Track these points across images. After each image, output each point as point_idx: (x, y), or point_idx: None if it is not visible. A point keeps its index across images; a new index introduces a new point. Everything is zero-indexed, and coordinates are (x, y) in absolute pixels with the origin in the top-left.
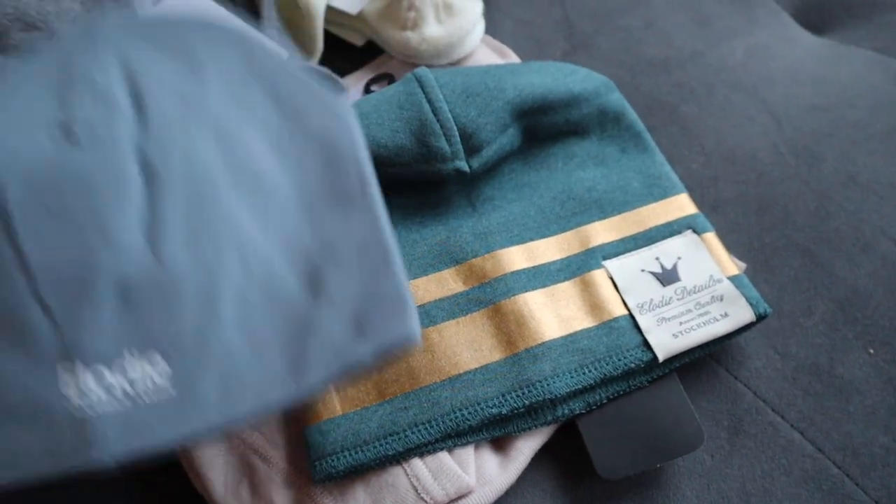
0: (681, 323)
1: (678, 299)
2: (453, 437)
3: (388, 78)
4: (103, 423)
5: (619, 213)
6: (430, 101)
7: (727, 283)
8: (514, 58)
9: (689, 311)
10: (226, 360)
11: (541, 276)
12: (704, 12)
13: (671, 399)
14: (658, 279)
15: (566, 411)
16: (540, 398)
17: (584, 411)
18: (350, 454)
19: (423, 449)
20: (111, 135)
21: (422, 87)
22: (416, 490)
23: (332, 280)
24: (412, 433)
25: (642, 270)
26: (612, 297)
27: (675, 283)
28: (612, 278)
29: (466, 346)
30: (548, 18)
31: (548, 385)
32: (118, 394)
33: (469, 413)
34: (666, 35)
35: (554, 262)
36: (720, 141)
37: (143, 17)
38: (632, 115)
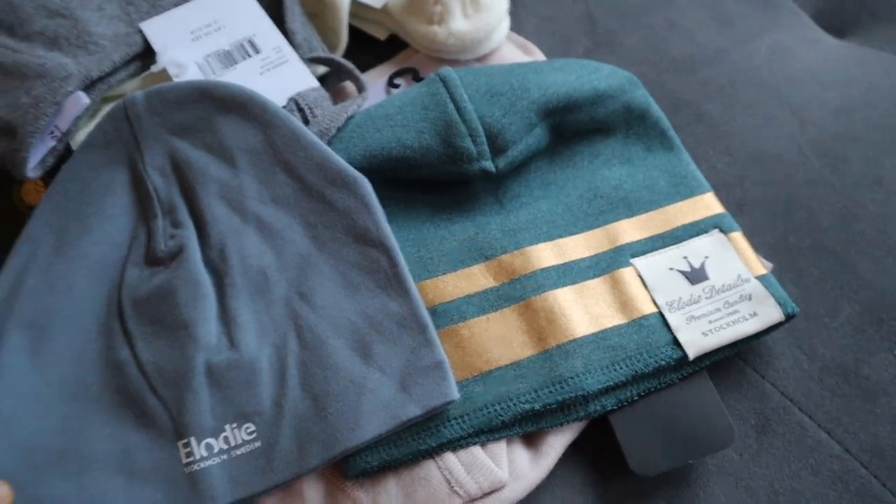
0: (710, 321)
1: (706, 298)
2: (486, 432)
3: (412, 72)
4: (210, 476)
5: (646, 211)
6: (454, 102)
7: (755, 282)
8: (538, 55)
9: (718, 309)
10: (297, 421)
11: (570, 273)
12: (727, 12)
13: (702, 397)
14: (686, 277)
15: (598, 407)
16: (572, 394)
17: (615, 408)
18: (384, 449)
19: (456, 443)
20: (185, 251)
21: (446, 87)
22: (450, 483)
23: (379, 351)
24: (445, 428)
25: (670, 269)
26: (642, 295)
27: (703, 281)
28: (640, 276)
29: (497, 342)
30: (570, 15)
31: (580, 381)
32: (221, 452)
33: (502, 408)
34: (689, 33)
35: (583, 259)
36: (745, 141)
37: (167, 94)
38: (657, 111)
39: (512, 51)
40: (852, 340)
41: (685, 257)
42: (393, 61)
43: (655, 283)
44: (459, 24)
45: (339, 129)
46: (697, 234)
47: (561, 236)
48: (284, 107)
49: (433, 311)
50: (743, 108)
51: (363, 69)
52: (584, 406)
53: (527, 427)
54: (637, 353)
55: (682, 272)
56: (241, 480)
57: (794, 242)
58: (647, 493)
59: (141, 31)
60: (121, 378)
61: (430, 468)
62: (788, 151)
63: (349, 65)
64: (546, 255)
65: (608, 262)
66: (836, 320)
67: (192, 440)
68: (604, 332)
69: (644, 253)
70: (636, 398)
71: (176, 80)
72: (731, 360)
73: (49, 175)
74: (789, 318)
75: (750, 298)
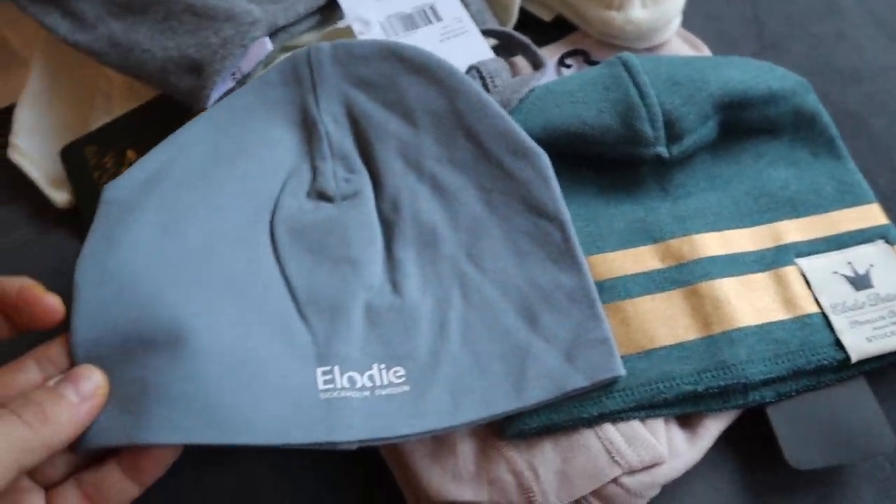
0: (874, 328)
1: (871, 305)
2: (646, 408)
3: (583, 54)
4: (349, 407)
5: (812, 214)
6: (637, 86)
7: None
8: (706, 51)
9: (883, 318)
10: (455, 373)
11: (736, 265)
12: None
13: (860, 401)
14: (851, 283)
15: (757, 397)
16: (734, 381)
17: (773, 400)
18: (544, 413)
19: (616, 416)
20: (360, 196)
21: (628, 71)
22: (610, 453)
23: (546, 320)
24: (608, 399)
25: (834, 272)
26: (805, 294)
27: (867, 288)
28: (804, 276)
29: (661, 322)
30: (738, 16)
31: (743, 369)
32: (364, 388)
33: (665, 386)
34: (857, 46)
35: (748, 253)
36: None
37: (353, 49)
38: (826, 118)
39: (680, 45)
40: None
41: (849, 263)
42: (562, 42)
43: (819, 284)
44: (638, 12)
45: (521, 101)
46: (862, 242)
47: (727, 228)
48: (466, 73)
49: (600, 286)
50: None
51: None
52: (744, 395)
53: (686, 408)
54: (800, 350)
55: (847, 277)
56: (383, 420)
57: None
58: (796, 487)
59: None
60: (260, 288)
61: (588, 437)
62: None
63: (526, 40)
64: (713, 244)
65: (772, 259)
66: None
67: (336, 369)
68: (768, 324)
69: (808, 254)
70: (794, 394)
71: (360, 36)
72: (888, 368)
73: None
74: None
75: None
